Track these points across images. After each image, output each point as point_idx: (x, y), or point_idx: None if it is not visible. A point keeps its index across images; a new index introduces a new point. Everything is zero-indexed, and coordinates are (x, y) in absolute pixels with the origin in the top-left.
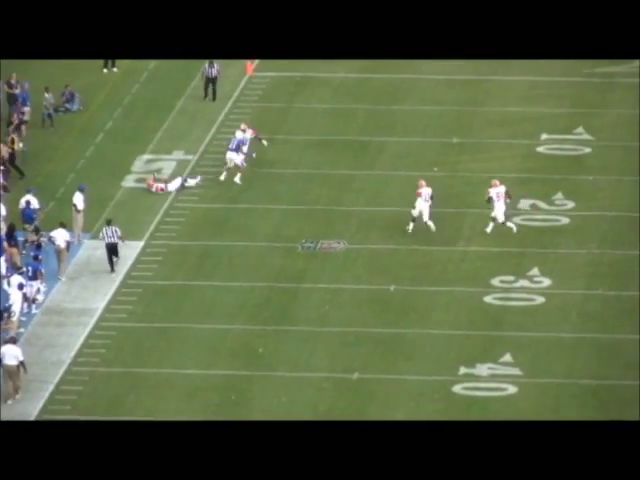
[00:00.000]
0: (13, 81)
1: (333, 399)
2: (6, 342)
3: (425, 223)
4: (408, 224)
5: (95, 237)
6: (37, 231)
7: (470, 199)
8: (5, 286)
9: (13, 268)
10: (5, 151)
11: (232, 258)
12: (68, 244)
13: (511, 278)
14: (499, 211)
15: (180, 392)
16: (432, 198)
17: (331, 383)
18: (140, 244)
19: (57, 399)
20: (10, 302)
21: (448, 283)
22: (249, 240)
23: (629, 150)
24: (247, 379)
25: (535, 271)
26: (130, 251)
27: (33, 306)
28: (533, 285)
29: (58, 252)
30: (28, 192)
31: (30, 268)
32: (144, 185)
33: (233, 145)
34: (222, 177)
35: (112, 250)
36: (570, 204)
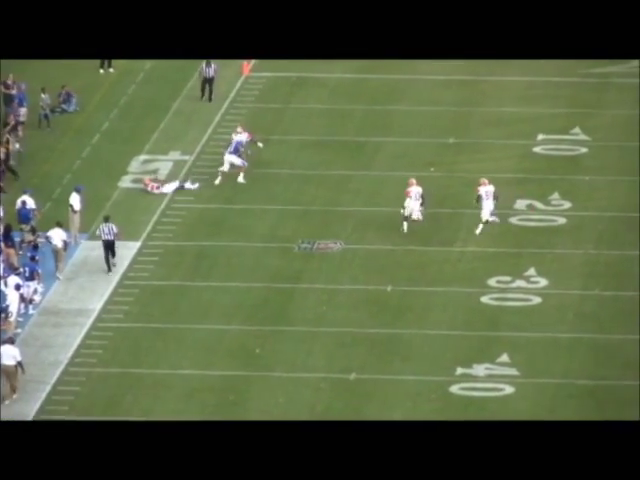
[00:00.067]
0: (10, 82)
1: (330, 399)
2: (4, 342)
3: (411, 217)
4: (402, 224)
5: (92, 238)
6: (34, 231)
7: (467, 199)
8: (2, 287)
9: (10, 269)
10: (2, 152)
11: (229, 258)
12: (65, 243)
13: (508, 278)
14: (486, 209)
15: (177, 392)
16: (423, 197)
17: (328, 383)
18: (137, 245)
19: (54, 399)
20: (7, 303)
21: (445, 283)
22: (246, 241)
23: (626, 150)
24: (244, 379)
25: (532, 271)
26: (127, 251)
27: (30, 307)
28: (530, 285)
29: (55, 252)
30: (24, 193)
31: (27, 269)
32: (141, 186)
33: (232, 148)
34: (217, 181)
35: (109, 247)
36: (566, 204)
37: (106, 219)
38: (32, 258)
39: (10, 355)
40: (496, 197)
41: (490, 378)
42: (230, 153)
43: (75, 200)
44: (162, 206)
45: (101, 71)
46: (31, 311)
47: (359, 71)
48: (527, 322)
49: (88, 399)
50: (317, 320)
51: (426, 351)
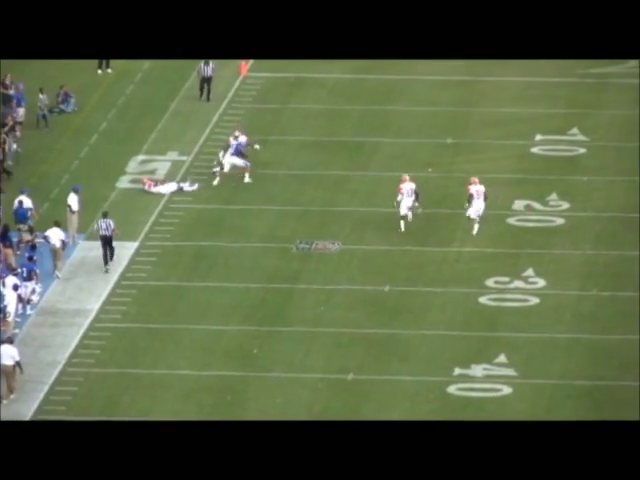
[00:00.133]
0: (8, 82)
1: (328, 399)
2: (3, 342)
3: (407, 218)
4: (399, 224)
5: (90, 238)
6: (31, 231)
7: (465, 200)
8: (0, 287)
9: (8, 269)
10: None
11: (227, 259)
12: (63, 243)
13: (506, 279)
14: (475, 208)
15: (175, 393)
16: (417, 193)
17: (326, 384)
18: (134, 245)
19: (52, 399)
20: (5, 303)
21: (443, 284)
22: (244, 241)
23: (623, 151)
24: (242, 380)
25: (530, 272)
26: (124, 252)
27: (28, 307)
28: (528, 286)
29: (54, 251)
30: (22, 193)
31: (25, 269)
32: (139, 186)
33: (233, 150)
34: (215, 182)
35: (106, 243)
36: (565, 205)
37: (104, 215)
38: (30, 258)
39: (9, 355)
40: (486, 197)
41: (488, 378)
42: (232, 155)
43: (73, 200)
44: (160, 206)
45: (99, 71)
46: (29, 311)
47: (357, 71)
48: (525, 322)
49: (86, 399)
50: (315, 320)
51: (424, 351)
